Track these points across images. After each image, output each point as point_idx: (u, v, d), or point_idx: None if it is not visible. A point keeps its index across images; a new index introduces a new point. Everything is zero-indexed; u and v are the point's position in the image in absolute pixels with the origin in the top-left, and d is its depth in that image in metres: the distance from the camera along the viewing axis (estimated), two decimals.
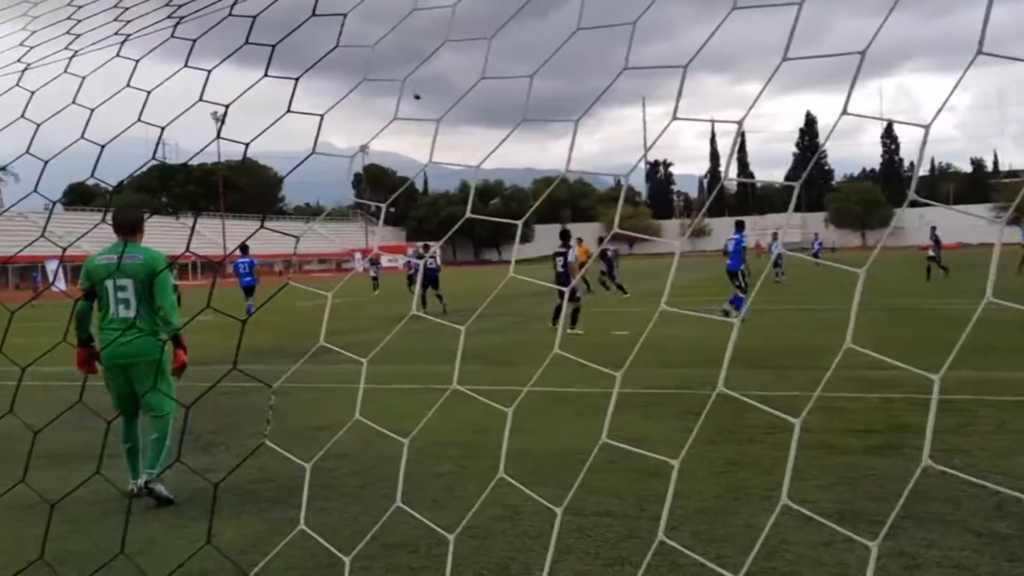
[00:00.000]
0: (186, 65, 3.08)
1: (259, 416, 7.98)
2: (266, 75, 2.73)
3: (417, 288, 5.22)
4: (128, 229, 5.46)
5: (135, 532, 4.68)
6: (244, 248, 22.73)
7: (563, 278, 14.52)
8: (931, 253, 28.70)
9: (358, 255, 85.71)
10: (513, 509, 4.77)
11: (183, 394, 3.94)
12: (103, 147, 3.09)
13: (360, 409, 1.87)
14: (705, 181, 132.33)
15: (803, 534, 4.21)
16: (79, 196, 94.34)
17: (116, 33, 3.44)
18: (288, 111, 2.60)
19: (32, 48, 3.60)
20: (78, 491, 5.41)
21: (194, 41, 3.08)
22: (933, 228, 29.18)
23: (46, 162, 3.27)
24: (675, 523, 4.49)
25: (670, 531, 4.36)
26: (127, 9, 3.53)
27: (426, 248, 25.49)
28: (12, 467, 6.24)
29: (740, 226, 17.41)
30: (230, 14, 3.03)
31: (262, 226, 2.25)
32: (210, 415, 7.91)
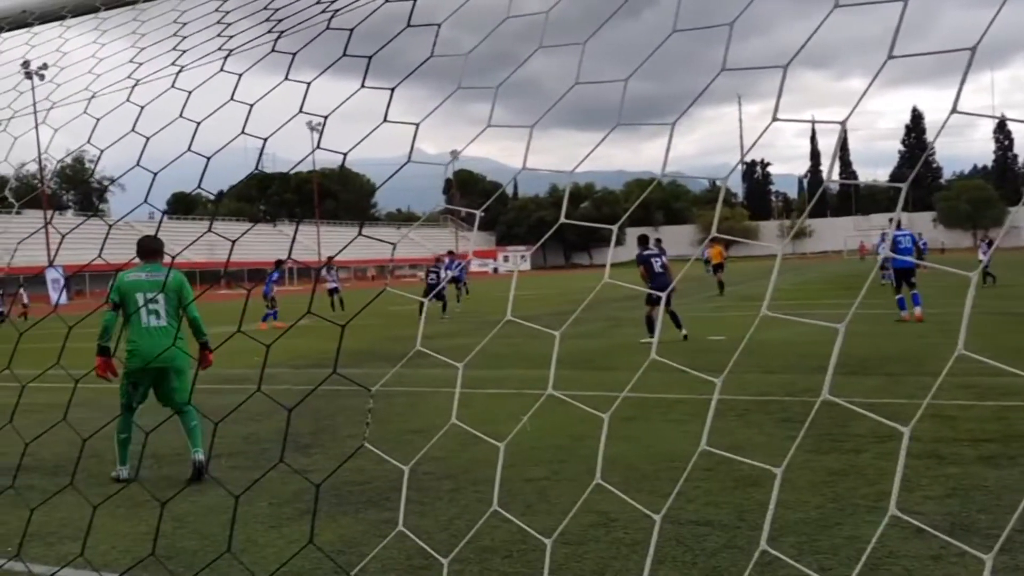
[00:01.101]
0: (286, 78, 3.20)
1: (354, 419, 8.19)
2: (363, 86, 2.82)
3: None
4: (154, 253, 6.60)
5: (239, 532, 4.88)
6: (278, 263, 23.32)
7: (660, 280, 14.16)
8: None
9: (447, 260, 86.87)
10: (607, 516, 4.76)
11: (284, 397, 4.11)
12: (209, 159, 3.25)
13: (456, 413, 1.91)
14: (805, 181, 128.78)
15: (911, 546, 4.07)
16: (182, 205, 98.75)
17: (220, 48, 3.61)
18: (385, 120, 2.68)
19: (141, 65, 3.80)
20: (183, 490, 5.69)
21: (294, 55, 3.20)
22: None
23: (155, 173, 3.43)
24: (775, 533, 4.40)
25: (770, 541, 4.27)
26: (229, 25, 3.70)
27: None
28: (111, 467, 6.59)
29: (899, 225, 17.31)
30: (328, 27, 3.14)
31: (360, 233, 2.33)
32: (307, 418, 8.16)
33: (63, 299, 44.66)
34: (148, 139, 3.48)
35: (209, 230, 3.43)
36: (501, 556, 4.26)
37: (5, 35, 4.09)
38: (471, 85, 2.59)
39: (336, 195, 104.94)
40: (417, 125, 2.62)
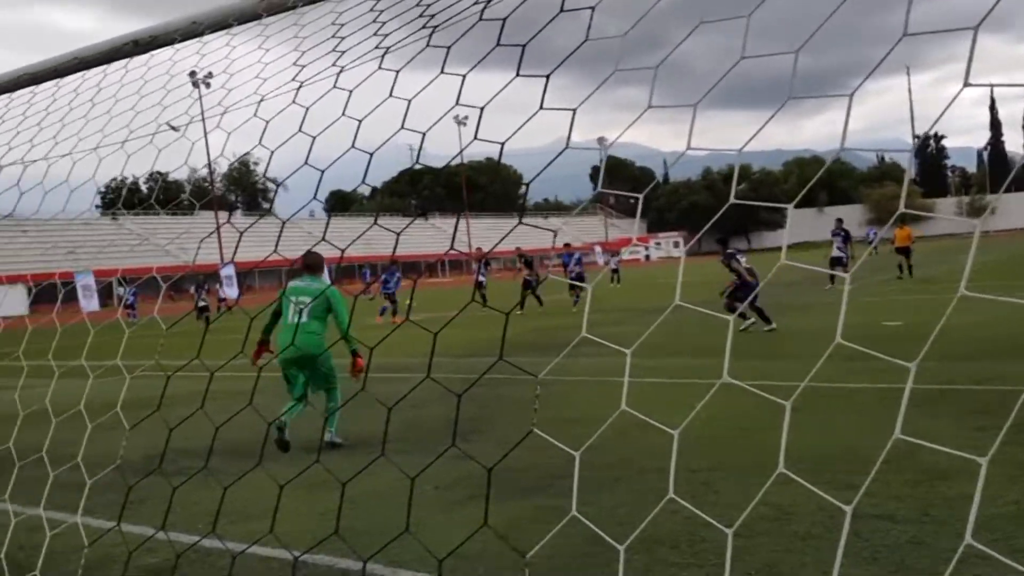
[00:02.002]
0: (442, 71, 3.29)
1: (511, 407, 8.35)
2: (518, 74, 2.87)
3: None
4: (315, 267, 7.86)
5: (419, 514, 5.10)
6: (393, 261, 24.18)
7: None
8: None
9: (598, 248, 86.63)
10: (780, 509, 4.64)
11: (452, 385, 4.27)
12: (372, 155, 3.40)
13: (625, 400, 1.93)
14: (985, 153, 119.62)
15: None
16: (339, 203, 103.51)
17: (377, 47, 3.77)
18: (541, 108, 2.72)
19: (303, 67, 4.02)
20: (359, 473, 6.00)
21: (448, 48, 3.28)
22: None
23: (323, 171, 3.61)
24: (964, 529, 4.15)
25: (956, 538, 4.04)
26: (384, 24, 3.85)
27: (522, 257, 25.54)
28: (300, 451, 7.02)
29: None
30: (480, 19, 3.21)
31: (520, 222, 2.38)
32: (466, 406, 8.40)
33: (234, 294, 47.87)
34: (314, 138, 3.67)
35: (375, 223, 3.60)
36: (668, 546, 4.25)
37: (178, 46, 4.44)
38: (627, 67, 2.59)
39: (484, 187, 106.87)
40: (574, 111, 2.64)
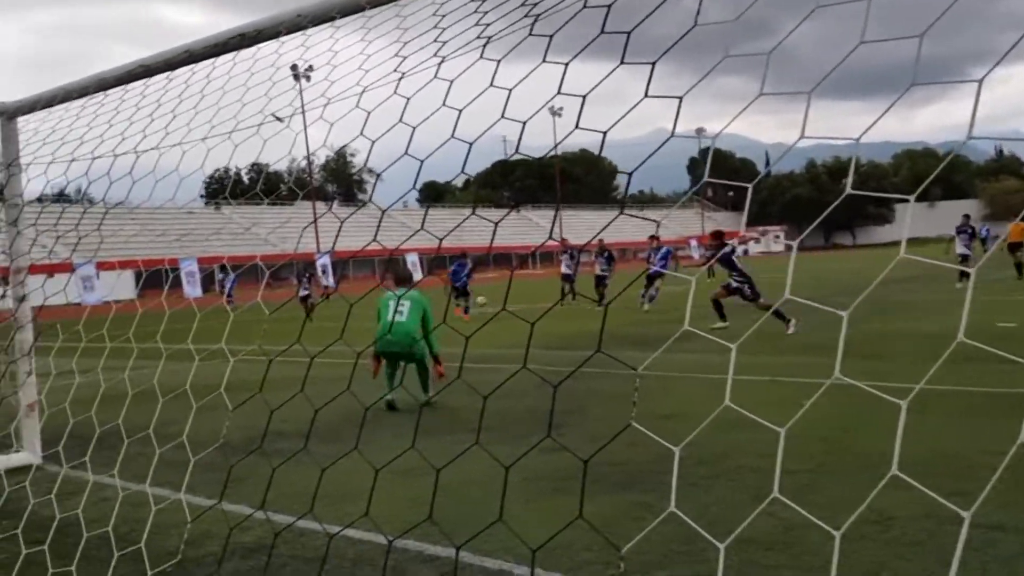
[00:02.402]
0: (544, 60, 3.28)
1: (601, 401, 8.33)
2: (622, 62, 2.86)
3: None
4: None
5: (497, 504, 5.16)
6: (464, 254, 23.11)
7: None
8: None
9: (693, 242, 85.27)
10: (882, 514, 4.50)
11: (545, 376, 4.26)
12: (471, 144, 3.44)
13: (729, 396, 1.91)
14: None
15: None
16: (433, 193, 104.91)
17: (478, 37, 3.79)
18: (646, 96, 2.69)
19: (405, 59, 4.08)
20: (454, 460, 6.10)
21: (551, 37, 3.28)
22: None
23: (422, 161, 3.65)
24: None
25: None
26: (486, 13, 3.87)
27: (653, 239, 24.14)
28: (393, 438, 7.18)
29: None
30: (585, 6, 3.20)
31: (622, 211, 2.38)
32: (560, 396, 8.42)
33: (330, 282, 49.20)
34: (415, 128, 3.72)
35: (473, 213, 3.64)
36: (763, 548, 4.18)
37: (283, 39, 4.58)
38: (738, 54, 2.54)
39: (579, 178, 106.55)
40: (680, 99, 2.62)
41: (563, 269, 25.64)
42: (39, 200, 7.26)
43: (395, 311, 8.80)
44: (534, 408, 8.01)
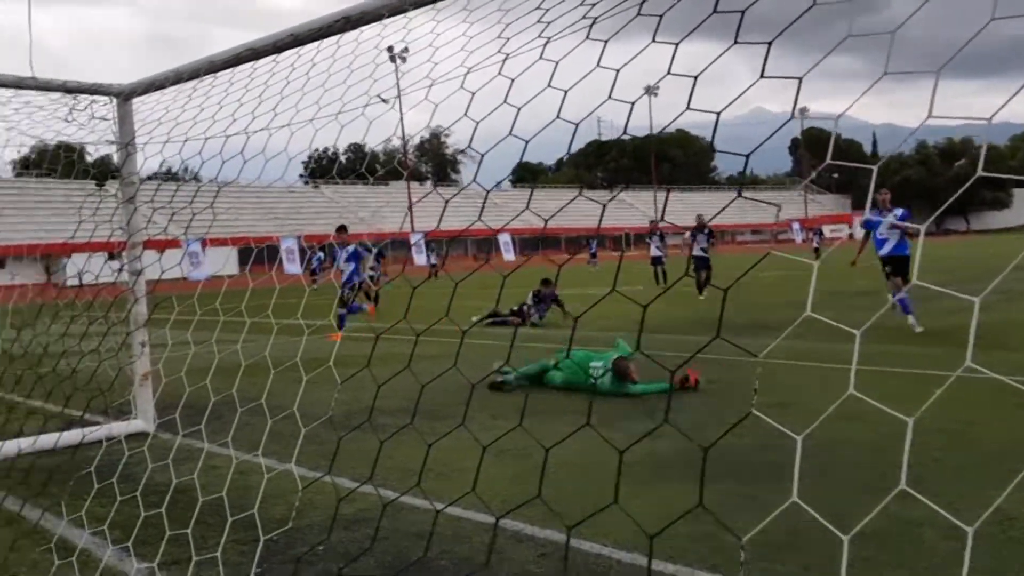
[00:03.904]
0: (653, 40, 3.21)
1: (708, 386, 8.22)
2: (736, 42, 2.78)
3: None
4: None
5: (599, 488, 5.16)
6: (342, 228, 16.89)
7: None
8: None
9: (796, 225, 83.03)
10: (1004, 513, 4.31)
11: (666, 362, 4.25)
12: (577, 125, 3.42)
13: (853, 384, 1.85)
14: None
15: None
16: (527, 174, 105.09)
17: (584, 17, 3.75)
18: (762, 76, 2.62)
19: (508, 39, 4.07)
20: (563, 440, 6.14)
21: (660, 16, 3.20)
22: None
23: (527, 141, 3.62)
24: None
25: None
26: (594, 6, 3.82)
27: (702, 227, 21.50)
28: (491, 418, 7.24)
29: None
30: None
31: (739, 194, 2.33)
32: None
33: (423, 261, 49.94)
34: (519, 109, 3.70)
35: (580, 194, 3.63)
36: (875, 544, 4.06)
37: (386, 21, 4.64)
38: (859, 33, 2.44)
39: (674, 159, 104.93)
40: (800, 79, 2.53)
41: (653, 251, 25.18)
42: (150, 178, 7.60)
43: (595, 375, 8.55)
44: (671, 398, 7.99)
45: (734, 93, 2.76)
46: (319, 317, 4.05)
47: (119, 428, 6.93)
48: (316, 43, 4.93)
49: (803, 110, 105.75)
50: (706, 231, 20.94)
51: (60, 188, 57.93)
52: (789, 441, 5.89)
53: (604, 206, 2.84)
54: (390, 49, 5.55)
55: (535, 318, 15.99)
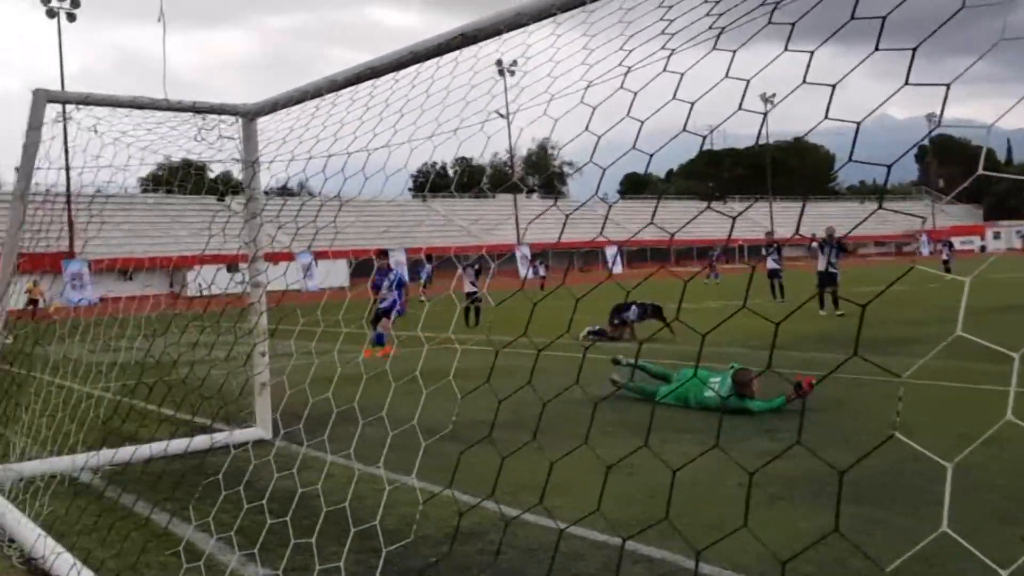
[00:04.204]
0: (786, 49, 3.17)
1: (832, 405, 8.00)
2: (876, 48, 2.73)
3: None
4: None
5: (716, 509, 5.10)
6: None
7: None
8: None
9: (924, 237, 79.63)
10: None
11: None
12: (704, 138, 3.40)
13: (1011, 408, 1.79)
14: None
15: None
16: (633, 186, 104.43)
17: (711, 27, 3.73)
18: (906, 83, 2.56)
19: (630, 52, 4.09)
20: (691, 461, 6.10)
21: (793, 24, 3.16)
22: None
23: (651, 155, 3.58)
24: None
25: None
26: (719, 2, 3.80)
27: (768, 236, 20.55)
28: (603, 435, 7.23)
29: None
30: None
31: (880, 207, 2.27)
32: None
33: (528, 273, 50.20)
34: (643, 123, 3.67)
35: (708, 206, 3.61)
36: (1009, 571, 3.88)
37: (504, 36, 4.72)
38: (1013, 36, 2.36)
39: (792, 169, 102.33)
40: (948, 86, 2.46)
41: (770, 264, 24.43)
42: (267, 193, 7.94)
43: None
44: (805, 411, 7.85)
45: (851, 98, 2.71)
46: (437, 330, 4.16)
47: (240, 436, 7.26)
48: (435, 60, 5.05)
49: (930, 115, 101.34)
50: (835, 244, 19.31)
51: (183, 203, 61.00)
52: (920, 464, 5.71)
53: (733, 219, 2.82)
54: (499, 63, 5.64)
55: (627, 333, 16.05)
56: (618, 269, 65.80)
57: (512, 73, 5.06)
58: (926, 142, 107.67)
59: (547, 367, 9.23)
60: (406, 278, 15.59)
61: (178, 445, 6.72)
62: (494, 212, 75.92)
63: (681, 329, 15.43)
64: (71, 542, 4.89)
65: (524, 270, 52.94)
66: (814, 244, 19.95)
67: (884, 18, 2.69)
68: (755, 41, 3.31)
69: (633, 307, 16.05)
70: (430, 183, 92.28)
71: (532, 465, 5.91)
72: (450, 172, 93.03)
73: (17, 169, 6.52)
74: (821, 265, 18.77)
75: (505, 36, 4.67)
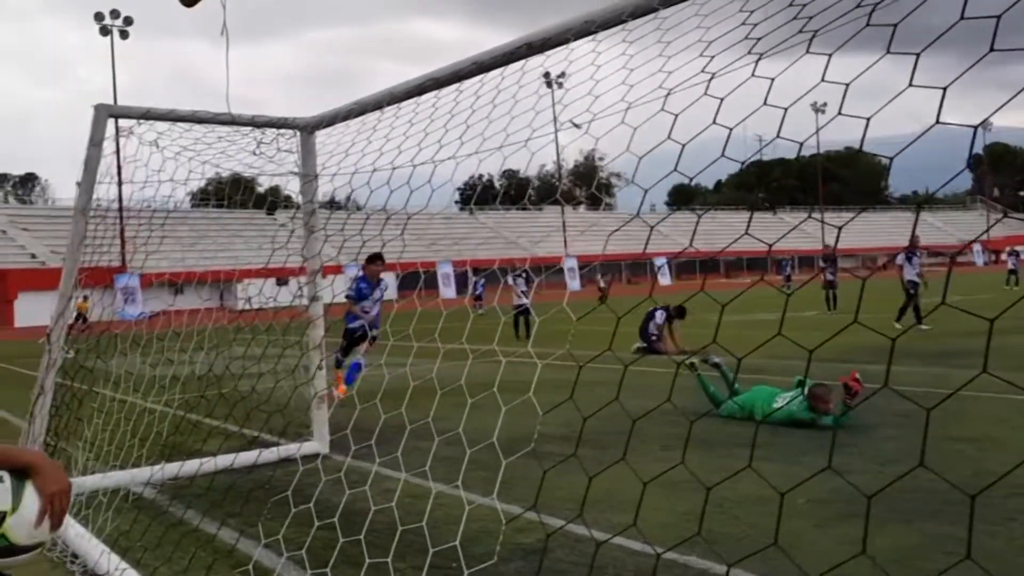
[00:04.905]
0: (807, 51, 3.06)
1: (888, 420, 7.77)
2: (888, 52, 2.65)
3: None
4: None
5: (782, 525, 4.95)
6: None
7: None
8: None
9: (977, 247, 77.76)
10: None
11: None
12: (757, 152, 3.31)
13: None
14: None
15: None
16: (682, 197, 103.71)
17: (749, 52, 3.64)
18: (910, 85, 2.51)
19: (671, 74, 3.99)
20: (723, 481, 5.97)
21: (814, 32, 3.06)
22: None
23: (691, 179, 3.50)
24: None
25: None
26: (756, 26, 3.69)
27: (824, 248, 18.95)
28: (662, 449, 7.12)
29: None
30: (859, 5, 2.97)
31: (917, 218, 2.16)
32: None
33: (576, 287, 50.01)
34: (684, 146, 3.55)
35: (750, 217, 3.51)
36: None
37: (572, 45, 4.62)
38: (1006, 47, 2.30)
39: (843, 179, 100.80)
40: (944, 89, 2.39)
41: (827, 275, 24.60)
42: (327, 206, 7.98)
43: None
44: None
45: (906, 109, 2.62)
46: (484, 342, 4.11)
47: (296, 449, 7.26)
48: (500, 70, 4.97)
49: (985, 123, 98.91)
50: (918, 253, 18.76)
51: (231, 217, 61.91)
52: (991, 479, 5.48)
53: (839, 229, 2.72)
54: (546, 75, 5.57)
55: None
56: (667, 280, 65.27)
57: (560, 85, 5.02)
58: (980, 151, 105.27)
59: (595, 379, 9.08)
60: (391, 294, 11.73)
61: (242, 459, 6.70)
62: (542, 224, 75.88)
63: (736, 342, 15.19)
64: (136, 558, 4.87)
65: (572, 283, 52.76)
66: (899, 255, 19.14)
67: (895, 26, 2.61)
68: (795, 50, 3.25)
69: (657, 312, 16.13)
70: (479, 196, 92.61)
71: (608, 483, 5.83)
72: (497, 184, 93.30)
73: (78, 184, 6.60)
74: (909, 275, 17.88)
75: (574, 44, 4.56)
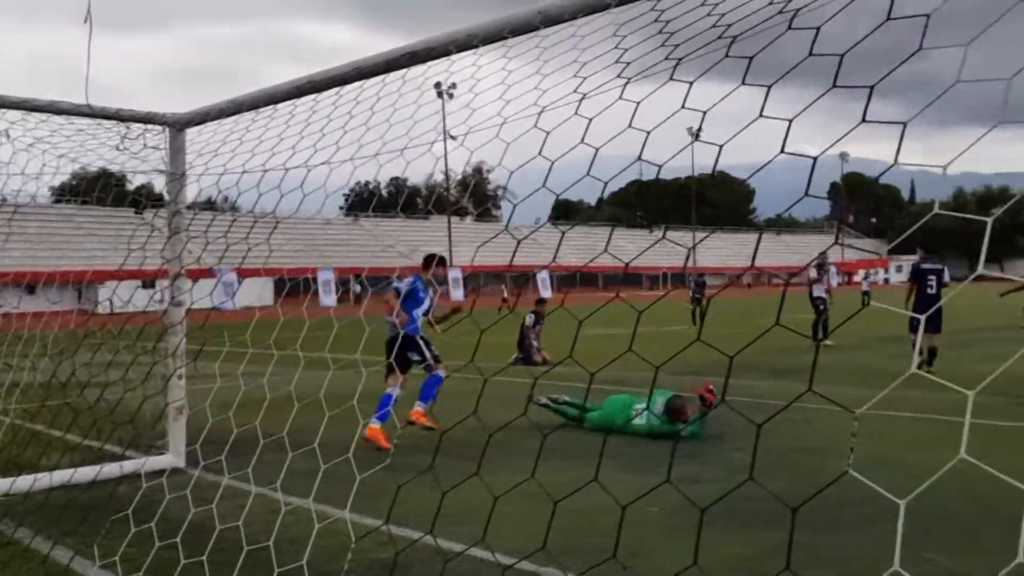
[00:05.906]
0: (743, 83, 3.07)
1: (738, 431, 7.96)
2: (743, 83, 2.69)
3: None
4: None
5: (636, 535, 4.94)
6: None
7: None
8: None
9: (832, 268, 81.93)
10: None
11: (743, 410, 4.09)
12: (660, 167, 3.30)
13: (965, 447, 1.69)
14: None
15: None
16: (563, 212, 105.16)
17: (618, 76, 3.64)
18: (760, 115, 2.60)
19: (545, 92, 3.96)
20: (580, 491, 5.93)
21: (751, 59, 3.05)
22: None
23: (606, 183, 3.42)
24: None
25: None
26: (627, 51, 3.70)
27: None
28: (525, 460, 7.04)
29: None
30: (789, 28, 2.99)
31: (836, 241, 2.17)
32: (717, 428, 8.10)
33: (460, 296, 49.87)
34: (597, 150, 3.50)
35: (610, 234, 3.48)
36: None
37: (454, 57, 4.51)
38: (848, 84, 2.39)
39: (713, 201, 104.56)
40: (790, 121, 2.48)
41: (694, 294, 27.38)
42: (190, 207, 7.57)
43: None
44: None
45: (772, 136, 2.66)
46: (347, 351, 3.91)
47: (151, 463, 6.80)
48: (381, 77, 4.83)
49: (844, 155, 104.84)
50: (827, 270, 19.36)
51: (96, 215, 58.64)
52: (851, 492, 5.59)
53: (691, 248, 2.69)
54: (438, 85, 5.46)
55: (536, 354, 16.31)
56: (548, 293, 65.87)
57: (452, 96, 4.89)
58: (838, 179, 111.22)
59: (470, 389, 8.93)
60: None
61: (84, 474, 6.19)
62: (428, 233, 75.50)
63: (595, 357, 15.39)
64: None
65: (456, 292, 52.56)
66: (812, 271, 19.28)
67: (751, 59, 2.63)
68: (660, 76, 3.30)
69: (528, 316, 16.60)
70: (362, 202, 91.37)
71: (467, 496, 5.68)
72: (383, 192, 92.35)
73: None
74: (817, 292, 18.48)
75: (455, 56, 4.47)
